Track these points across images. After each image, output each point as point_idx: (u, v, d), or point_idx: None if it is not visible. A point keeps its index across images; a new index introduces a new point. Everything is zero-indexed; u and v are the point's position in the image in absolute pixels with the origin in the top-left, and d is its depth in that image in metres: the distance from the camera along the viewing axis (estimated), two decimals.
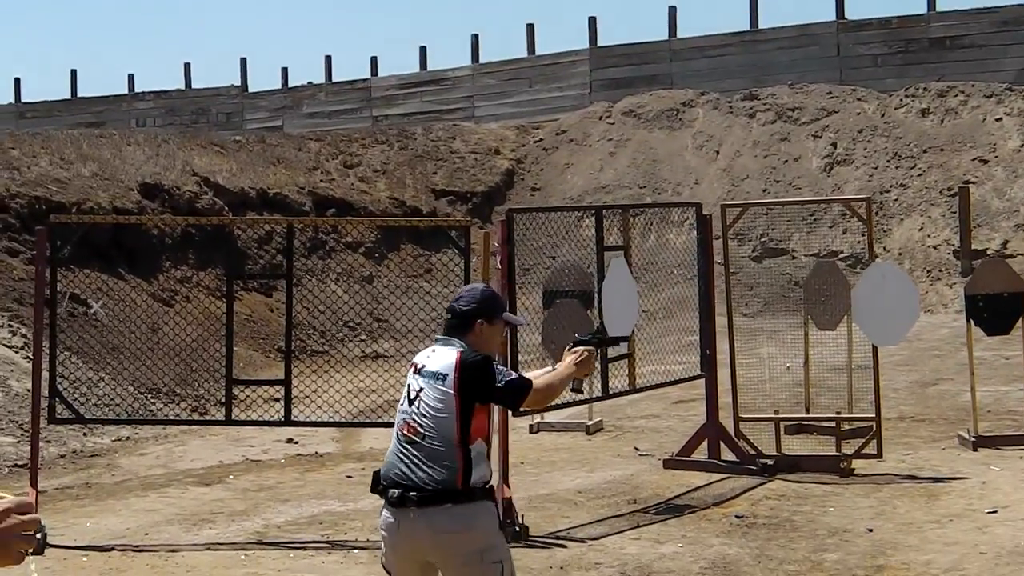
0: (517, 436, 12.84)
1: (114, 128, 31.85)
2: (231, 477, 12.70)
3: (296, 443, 14.40)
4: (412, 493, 5.47)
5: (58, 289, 11.14)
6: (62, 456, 13.87)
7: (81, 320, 18.36)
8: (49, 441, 13.91)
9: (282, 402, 10.69)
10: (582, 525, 10.07)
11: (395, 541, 5.58)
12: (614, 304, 11.03)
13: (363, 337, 23.07)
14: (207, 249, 22.64)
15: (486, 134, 33.51)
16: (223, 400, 11.01)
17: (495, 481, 8.90)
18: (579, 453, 13.31)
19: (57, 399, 10.60)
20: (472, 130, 33.86)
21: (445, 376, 5.59)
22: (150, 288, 21.27)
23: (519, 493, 10.38)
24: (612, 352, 11.21)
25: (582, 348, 5.89)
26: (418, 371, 5.71)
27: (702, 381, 12.27)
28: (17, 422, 14.00)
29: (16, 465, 12.79)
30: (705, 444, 12.05)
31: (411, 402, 5.66)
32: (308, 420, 10.95)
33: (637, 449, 13.30)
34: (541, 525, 9.95)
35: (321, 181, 28.91)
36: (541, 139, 33.00)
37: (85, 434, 14.56)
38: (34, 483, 10.17)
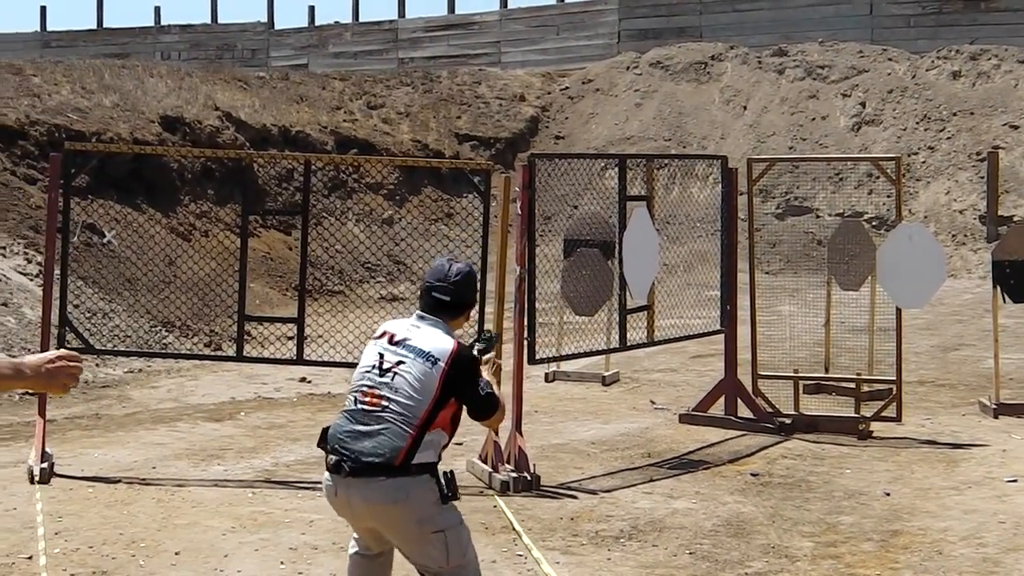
0: (532, 384, 12.72)
1: (138, 60, 31.63)
2: (242, 414, 12.61)
3: (309, 382, 14.31)
4: (347, 463, 5.42)
5: (73, 218, 10.98)
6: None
7: (96, 250, 18.26)
8: None
9: (295, 340, 10.57)
10: (594, 477, 9.96)
11: (336, 504, 5.58)
12: (635, 254, 10.88)
13: (381, 279, 22.96)
14: (227, 184, 22.50)
15: (512, 80, 33.26)
16: (235, 337, 10.88)
17: (509, 429, 8.77)
18: (594, 404, 13.20)
19: (67, 328, 10.48)
20: (498, 76, 33.60)
21: (436, 360, 5.50)
22: (168, 221, 21.15)
23: (532, 442, 10.27)
24: (631, 303, 11.09)
25: (490, 357, 5.88)
26: (395, 342, 5.60)
27: (720, 337, 12.14)
28: (30, 350, 13.90)
29: (27, 393, 12.66)
30: (722, 400, 11.93)
31: (383, 372, 5.54)
32: (321, 360, 10.79)
33: (653, 402, 13.18)
34: (553, 475, 9.85)
35: (344, 121, 28.72)
36: (567, 87, 32.75)
37: (97, 364, 14.46)
38: (42, 412, 10.06)
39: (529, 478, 9.45)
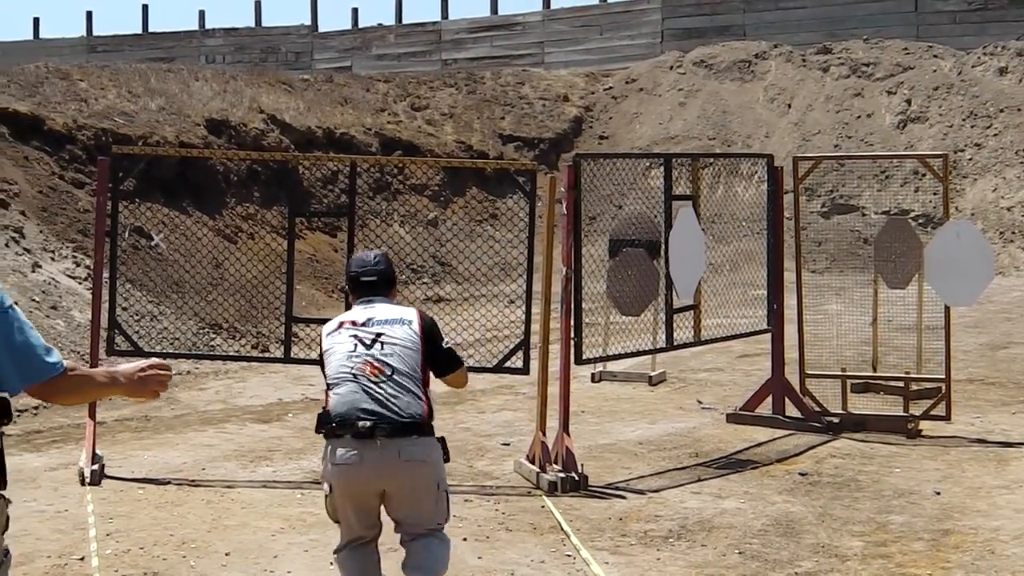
0: (579, 384, 12.71)
1: (183, 64, 31.81)
2: (290, 415, 12.65)
3: None
4: (384, 424, 5.76)
5: (120, 221, 11.05)
6: None
7: (144, 253, 18.38)
8: None
9: None
10: (642, 477, 9.94)
11: (356, 475, 5.82)
12: (681, 254, 10.84)
13: (426, 280, 23.00)
14: (272, 187, 22.60)
15: (555, 81, 33.25)
16: (283, 338, 10.92)
17: (556, 429, 8.78)
18: (641, 404, 13.18)
19: (116, 331, 10.54)
20: (541, 76, 33.60)
21: (409, 321, 6.07)
22: (214, 224, 21.26)
23: (579, 442, 10.27)
24: (677, 303, 11.06)
25: None
26: (359, 324, 6.06)
27: (767, 336, 12.08)
28: (79, 352, 13.99)
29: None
30: (769, 399, 11.88)
31: (368, 346, 5.96)
32: None
33: (700, 402, 13.16)
34: (601, 475, 9.84)
35: (388, 123, 28.79)
36: (611, 87, 32.71)
37: None
38: (92, 414, 10.13)
39: (577, 478, 9.44)
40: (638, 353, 11.98)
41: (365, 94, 30.16)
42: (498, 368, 10.45)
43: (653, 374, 14.36)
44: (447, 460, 5.98)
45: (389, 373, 5.87)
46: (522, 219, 10.65)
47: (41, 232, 17.51)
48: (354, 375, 5.89)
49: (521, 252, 10.66)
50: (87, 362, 11.88)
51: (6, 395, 4.21)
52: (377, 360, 5.90)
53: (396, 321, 6.05)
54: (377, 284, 6.24)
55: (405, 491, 5.89)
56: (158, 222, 19.10)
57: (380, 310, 6.11)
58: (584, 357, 10.17)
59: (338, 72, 34.44)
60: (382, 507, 6.02)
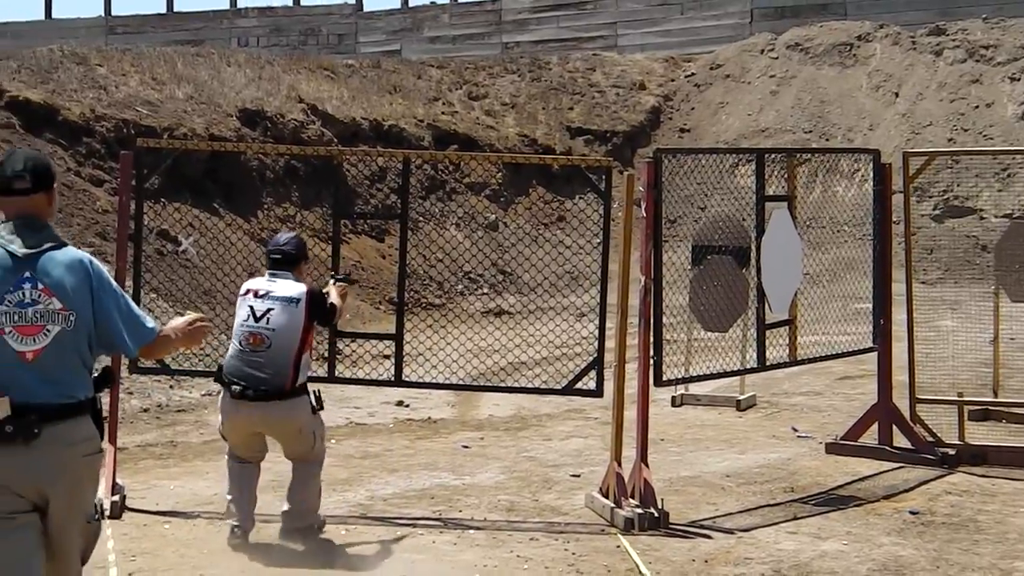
0: (657, 409, 12.69)
1: (213, 47, 32.04)
2: (333, 441, 12.68)
3: (407, 406, 14.38)
4: (249, 391, 8.60)
5: (145, 223, 11.12)
6: (145, 410, 13.98)
7: (171, 260, 18.52)
8: (131, 393, 14.02)
9: (392, 359, 10.62)
10: (730, 514, 9.91)
11: (233, 421, 8.82)
12: (774, 263, 10.81)
13: (485, 290, 23.06)
14: (313, 185, 22.74)
15: (630, 66, 33.24)
16: (326, 355, 10.95)
17: (632, 459, 8.79)
18: (728, 431, 13.16)
19: None
20: (614, 61, 33.59)
21: (298, 301, 8.78)
22: (248, 226, 21.40)
23: (659, 474, 10.25)
24: (770, 318, 11.01)
25: (342, 284, 9.45)
26: (260, 296, 8.78)
27: (872, 356, 12.01)
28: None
29: None
30: (875, 428, 11.80)
31: (258, 319, 8.69)
32: (421, 381, 10.82)
33: (795, 430, 13.12)
34: (683, 512, 9.82)
35: (442, 114, 28.88)
36: (693, 74, 32.67)
37: (171, 387, 14.66)
38: (113, 438, 10.18)
39: (656, 515, 9.41)
40: (725, 374, 11.93)
41: (416, 81, 30.28)
42: (567, 390, 10.45)
43: (742, 398, 14.33)
44: (320, 408, 8.92)
45: (269, 343, 8.64)
46: (596, 222, 10.64)
47: None
48: (239, 342, 8.73)
49: (595, 259, 10.64)
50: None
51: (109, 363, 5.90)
52: (261, 334, 8.66)
53: (287, 301, 8.73)
54: (281, 262, 8.95)
55: (273, 434, 8.93)
56: (186, 224, 19.24)
57: (280, 286, 8.81)
58: (664, 378, 10.15)
59: (386, 57, 34.58)
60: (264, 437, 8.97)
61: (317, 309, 8.88)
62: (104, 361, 6.02)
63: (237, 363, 8.70)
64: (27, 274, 5.42)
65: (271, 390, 8.60)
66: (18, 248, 5.45)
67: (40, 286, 5.42)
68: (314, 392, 8.89)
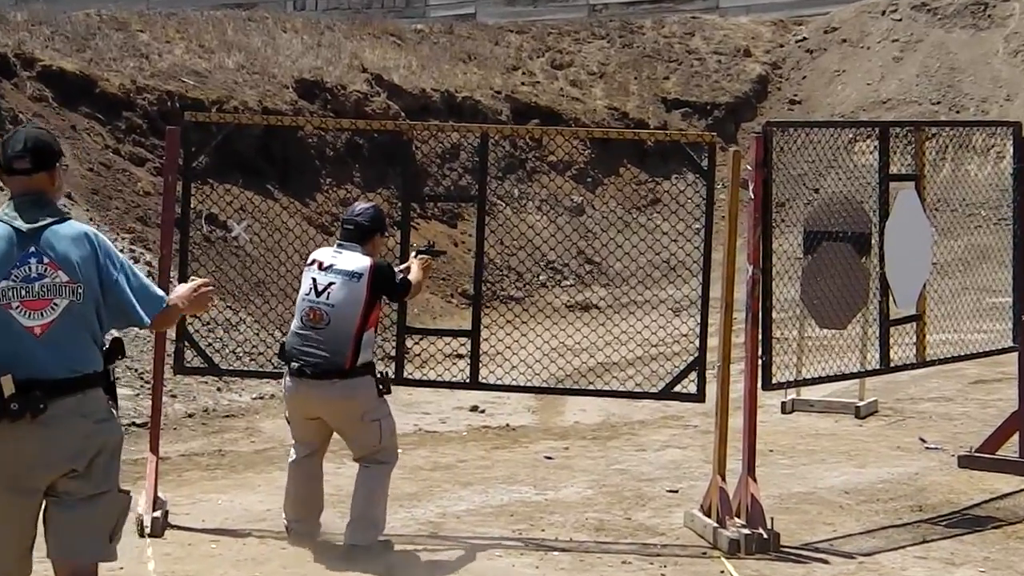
0: (766, 416, 12.62)
1: (266, 11, 32.18)
2: (399, 451, 12.67)
3: (482, 412, 14.39)
4: (307, 369, 8.97)
5: (192, 207, 11.13)
6: (190, 415, 14.03)
7: (220, 247, 18.58)
8: (175, 396, 14.08)
9: (467, 359, 10.59)
10: (850, 536, 9.85)
11: (294, 402, 9.21)
12: (900, 251, 10.70)
13: (570, 282, 23.04)
14: (378, 164, 22.74)
15: (733, 30, 33.12)
16: (392, 354, 10.94)
17: (738, 472, 8.74)
18: (846, 442, 13.09)
19: (186, 343, 10.62)
20: (716, 25, 33.48)
21: (360, 275, 9.06)
22: (306, 210, 21.46)
23: (768, 490, 10.18)
24: (894, 313, 10.90)
25: (425, 257, 9.79)
26: (324, 268, 9.13)
27: (1011, 357, 11.89)
28: (137, 370, 14.18)
29: (134, 424, 12.90)
30: (1015, 439, 11.67)
31: (319, 293, 9.06)
32: (499, 383, 10.78)
33: (923, 440, 13.05)
34: (796, 533, 9.77)
35: (522, 84, 28.88)
36: (805, 38, 32.53)
37: (219, 389, 14.72)
38: (155, 447, 10.22)
39: (766, 536, 9.35)
40: (842, 377, 11.86)
41: (493, 48, 30.29)
42: (665, 393, 10.38)
43: (861, 404, 14.25)
44: (387, 392, 9.24)
45: (328, 320, 8.99)
46: (698, 205, 10.56)
47: (91, 219, 17.76)
48: (300, 318, 9.13)
49: (694, 247, 10.56)
50: (148, 383, 12.04)
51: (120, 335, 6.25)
52: (320, 309, 9.02)
53: (349, 275, 9.05)
54: (353, 232, 9.25)
55: (332, 421, 9.20)
56: (238, 208, 19.26)
57: (344, 259, 9.14)
58: (774, 381, 10.08)
59: (459, 21, 34.59)
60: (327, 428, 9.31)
61: (383, 284, 9.16)
62: (112, 334, 6.37)
63: (297, 339, 9.10)
64: (32, 248, 5.93)
65: (331, 368, 8.93)
66: (22, 224, 5.96)
67: (46, 260, 5.93)
68: (381, 373, 9.31)
